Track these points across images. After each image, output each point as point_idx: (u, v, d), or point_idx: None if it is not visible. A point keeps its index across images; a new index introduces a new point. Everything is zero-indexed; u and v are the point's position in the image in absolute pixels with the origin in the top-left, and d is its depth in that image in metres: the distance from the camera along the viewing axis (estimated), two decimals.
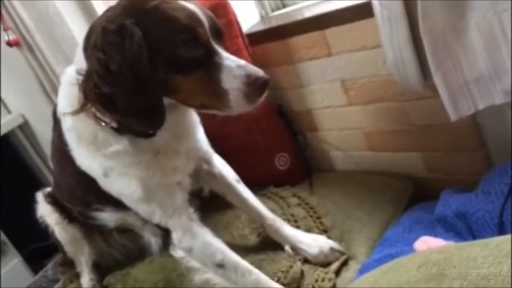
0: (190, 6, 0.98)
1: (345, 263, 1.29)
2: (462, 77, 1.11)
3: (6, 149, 2.44)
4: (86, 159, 1.15)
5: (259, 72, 0.98)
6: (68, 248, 1.58)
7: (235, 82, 0.96)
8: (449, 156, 1.46)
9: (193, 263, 1.25)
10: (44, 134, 2.39)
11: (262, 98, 1.00)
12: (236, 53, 1.47)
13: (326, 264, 1.28)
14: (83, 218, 1.50)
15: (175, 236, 1.19)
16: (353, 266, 1.28)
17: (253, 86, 0.96)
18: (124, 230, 1.56)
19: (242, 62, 0.99)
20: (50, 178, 2.20)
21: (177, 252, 1.27)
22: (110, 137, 1.09)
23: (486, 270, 0.62)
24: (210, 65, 0.97)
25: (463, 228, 1.14)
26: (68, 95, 1.11)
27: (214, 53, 0.98)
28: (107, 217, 1.41)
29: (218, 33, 1.02)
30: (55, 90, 2.01)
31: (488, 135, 1.37)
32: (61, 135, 1.18)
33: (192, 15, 0.97)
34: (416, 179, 1.55)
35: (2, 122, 2.39)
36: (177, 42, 0.95)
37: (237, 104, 0.97)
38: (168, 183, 1.16)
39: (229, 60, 0.98)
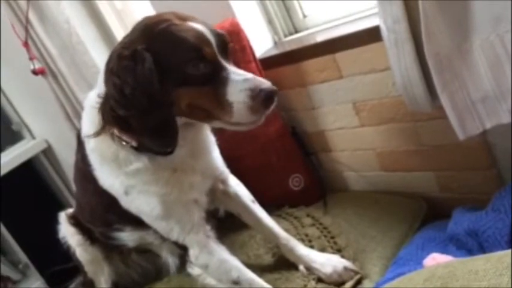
0: (198, 26, 1.03)
1: (358, 282, 1.29)
2: (468, 97, 1.13)
3: (31, 173, 2.51)
4: (108, 178, 1.20)
5: (264, 83, 1.00)
6: (89, 268, 1.61)
7: (240, 96, 0.99)
8: (462, 175, 1.47)
9: (210, 280, 1.28)
10: (67, 159, 2.46)
11: (270, 110, 1.02)
12: None
13: (340, 284, 1.29)
14: (104, 239, 1.54)
15: (192, 253, 1.22)
16: (367, 285, 1.28)
17: (258, 99, 0.99)
18: (142, 251, 1.60)
19: (249, 75, 1.02)
20: (72, 201, 2.26)
21: (194, 270, 1.30)
22: (130, 156, 1.14)
23: (487, 283, 0.64)
24: (218, 80, 1.01)
25: (474, 246, 1.15)
26: (90, 118, 1.17)
27: (221, 68, 1.02)
28: (127, 237, 1.44)
29: (226, 49, 1.06)
30: (78, 115, 2.08)
31: (500, 154, 1.37)
32: (84, 157, 1.24)
33: (198, 34, 1.02)
34: (430, 199, 1.56)
35: (26, 147, 2.48)
36: (185, 61, 1.00)
37: (240, 116, 1.01)
38: (185, 200, 1.19)
39: (236, 74, 1.02)
